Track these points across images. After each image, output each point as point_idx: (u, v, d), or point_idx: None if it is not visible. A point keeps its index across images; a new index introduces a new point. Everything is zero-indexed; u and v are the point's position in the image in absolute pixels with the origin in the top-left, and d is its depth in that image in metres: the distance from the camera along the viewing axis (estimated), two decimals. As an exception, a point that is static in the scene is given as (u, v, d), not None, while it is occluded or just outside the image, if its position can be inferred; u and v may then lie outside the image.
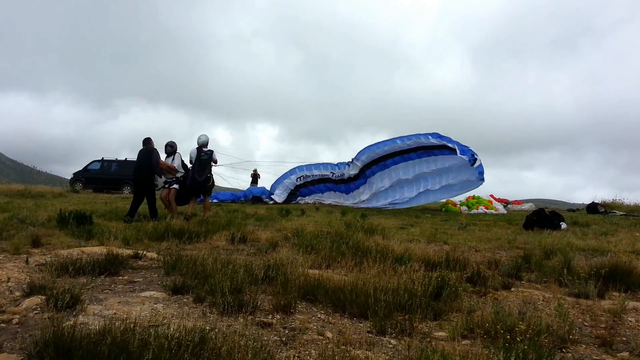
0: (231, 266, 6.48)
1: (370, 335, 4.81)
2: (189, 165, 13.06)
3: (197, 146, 12.70)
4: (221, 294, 5.35)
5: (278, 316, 5.19)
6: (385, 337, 4.77)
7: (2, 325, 4.56)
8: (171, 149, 12.90)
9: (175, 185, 12.64)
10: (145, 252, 7.95)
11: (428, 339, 4.64)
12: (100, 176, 30.68)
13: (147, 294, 5.82)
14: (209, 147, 12.94)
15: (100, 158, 31.70)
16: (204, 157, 12.66)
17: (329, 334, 4.71)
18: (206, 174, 12.62)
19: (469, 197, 24.28)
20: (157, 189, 13.07)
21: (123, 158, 31.28)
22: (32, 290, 5.46)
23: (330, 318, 5.30)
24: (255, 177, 32.61)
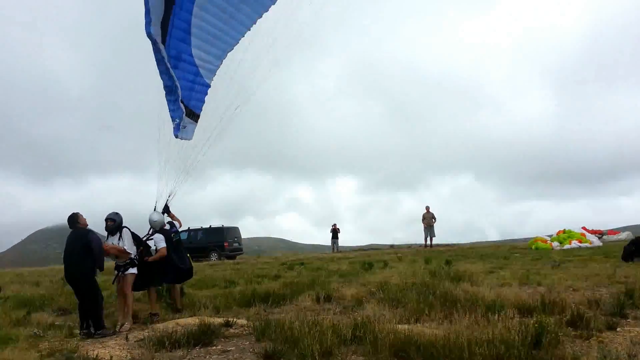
0: (318, 327, 6.50)
1: (468, 391, 4.62)
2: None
3: (156, 230, 9.53)
4: (312, 358, 5.37)
5: (371, 377, 5.12)
6: (485, 392, 4.57)
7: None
8: (113, 223, 8.97)
9: (132, 270, 8.90)
10: (235, 320, 8.16)
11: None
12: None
13: (240, 362, 5.94)
14: (165, 221, 9.76)
15: (187, 228, 33.14)
16: (176, 238, 9.78)
17: (425, 393, 4.58)
18: (186, 256, 9.93)
19: (559, 231, 22.87)
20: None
21: (207, 225, 32.56)
22: (134, 366, 5.76)
23: (424, 375, 5.15)
24: (335, 231, 31.77)
